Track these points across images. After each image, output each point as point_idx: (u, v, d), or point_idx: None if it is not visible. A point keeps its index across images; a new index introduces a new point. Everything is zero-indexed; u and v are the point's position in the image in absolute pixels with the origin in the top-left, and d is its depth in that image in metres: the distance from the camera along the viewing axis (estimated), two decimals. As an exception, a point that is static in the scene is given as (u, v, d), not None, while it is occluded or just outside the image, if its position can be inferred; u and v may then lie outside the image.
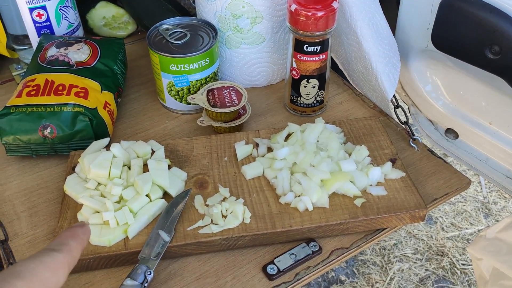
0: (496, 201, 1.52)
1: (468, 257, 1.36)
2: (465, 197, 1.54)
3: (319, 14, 0.60)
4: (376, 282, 1.31)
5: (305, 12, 0.60)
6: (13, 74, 0.77)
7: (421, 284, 1.31)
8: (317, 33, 0.62)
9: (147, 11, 0.80)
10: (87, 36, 0.84)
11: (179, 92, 0.69)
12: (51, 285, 0.29)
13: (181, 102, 0.70)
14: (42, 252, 0.31)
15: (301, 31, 0.62)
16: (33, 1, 0.71)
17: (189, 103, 0.70)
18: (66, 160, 0.63)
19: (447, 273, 1.33)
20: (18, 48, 0.79)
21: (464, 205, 1.51)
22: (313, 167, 0.56)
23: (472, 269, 1.33)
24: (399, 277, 1.32)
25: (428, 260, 1.36)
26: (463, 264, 1.35)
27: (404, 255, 1.37)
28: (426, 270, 1.34)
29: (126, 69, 0.75)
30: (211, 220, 0.53)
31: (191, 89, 0.69)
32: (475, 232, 1.43)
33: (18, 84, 0.76)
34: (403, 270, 1.34)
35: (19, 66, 0.79)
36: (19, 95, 0.61)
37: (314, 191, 0.54)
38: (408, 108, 0.84)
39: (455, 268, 1.34)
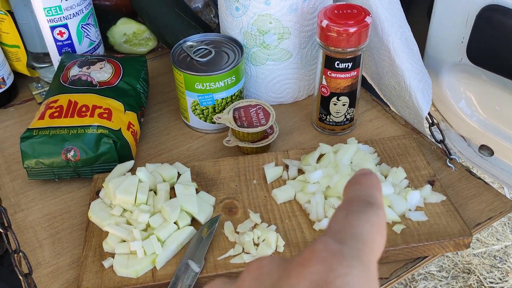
0: (523, 215, 1.47)
1: (496, 275, 1.31)
2: (490, 211, 1.49)
3: (352, 30, 0.57)
4: (401, 301, 1.27)
5: (337, 28, 0.58)
6: (34, 93, 0.76)
7: (448, 303, 1.26)
8: (349, 50, 0.59)
9: (169, 27, 0.78)
10: (108, 53, 0.82)
11: (204, 111, 0.66)
12: (380, 250, 0.21)
13: (205, 121, 0.68)
14: (364, 208, 0.22)
15: (332, 48, 0.60)
16: (55, 20, 0.69)
17: (214, 122, 0.67)
18: (89, 183, 0.61)
19: (475, 291, 1.28)
20: (38, 66, 0.77)
21: (489, 220, 1.46)
22: (349, 191, 0.53)
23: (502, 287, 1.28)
24: (424, 295, 1.27)
25: (454, 278, 1.31)
26: (490, 282, 1.30)
27: (429, 273, 1.33)
28: (452, 288, 1.29)
29: (148, 87, 0.73)
30: (243, 248, 0.50)
31: (216, 108, 0.66)
32: (502, 248, 1.38)
33: (38, 103, 0.75)
34: (428, 288, 1.29)
35: (39, 85, 0.77)
36: (42, 117, 0.60)
37: (350, 217, 0.51)
38: (438, 124, 0.81)
39: (483, 287, 1.29)
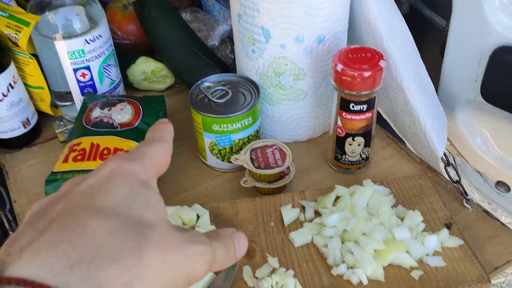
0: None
1: (516, 304, 1.28)
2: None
3: (366, 74, 0.59)
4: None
5: (352, 73, 0.59)
6: (56, 131, 0.78)
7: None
8: (364, 93, 0.60)
9: (186, 66, 0.80)
10: (128, 90, 0.85)
11: (221, 151, 0.68)
12: (162, 166, 0.31)
13: (223, 160, 0.69)
14: (154, 142, 0.31)
15: (347, 91, 0.61)
16: (78, 62, 0.72)
17: (232, 162, 0.69)
18: (109, 224, 0.62)
19: (494, 321, 1.26)
20: (60, 104, 0.80)
21: (508, 246, 1.44)
22: (366, 236, 0.54)
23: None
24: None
25: (472, 307, 1.29)
26: (511, 312, 1.27)
27: (447, 301, 1.31)
28: (471, 317, 1.27)
29: (167, 126, 0.74)
30: (261, 294, 0.51)
31: (233, 148, 0.68)
32: (521, 276, 1.35)
33: (61, 142, 0.77)
34: (446, 317, 1.27)
35: (62, 123, 0.80)
36: (66, 160, 0.62)
37: (368, 263, 0.51)
38: (454, 158, 0.81)
39: (503, 316, 1.26)
